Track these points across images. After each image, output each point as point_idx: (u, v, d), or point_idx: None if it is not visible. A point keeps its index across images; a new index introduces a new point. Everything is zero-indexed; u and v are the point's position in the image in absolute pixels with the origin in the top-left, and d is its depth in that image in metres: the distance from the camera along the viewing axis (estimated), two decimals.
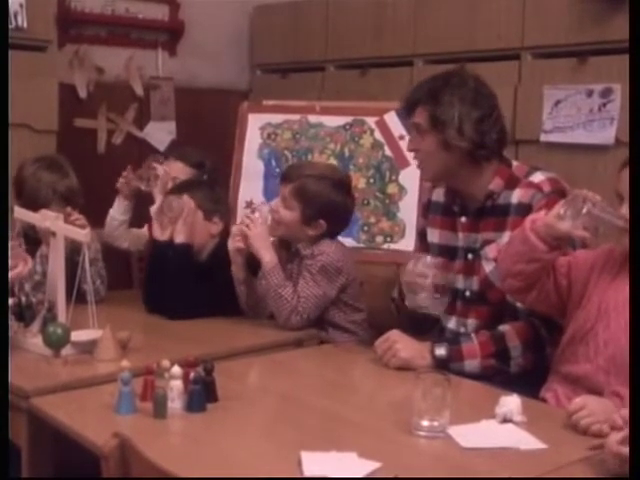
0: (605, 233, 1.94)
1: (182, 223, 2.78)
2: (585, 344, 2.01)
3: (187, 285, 2.71)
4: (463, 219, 2.36)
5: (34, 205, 2.74)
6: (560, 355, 2.09)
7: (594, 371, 1.97)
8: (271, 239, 2.68)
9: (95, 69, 4.00)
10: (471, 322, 2.35)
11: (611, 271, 2.04)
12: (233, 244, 2.67)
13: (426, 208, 2.53)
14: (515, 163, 2.36)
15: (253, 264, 2.67)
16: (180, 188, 2.91)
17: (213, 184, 3.12)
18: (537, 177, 2.27)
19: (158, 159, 3.25)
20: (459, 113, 2.22)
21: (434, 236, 2.45)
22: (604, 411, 1.74)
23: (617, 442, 1.52)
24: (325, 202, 2.62)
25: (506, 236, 2.24)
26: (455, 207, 2.39)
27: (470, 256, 2.35)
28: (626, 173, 1.92)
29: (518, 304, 2.24)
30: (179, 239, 2.77)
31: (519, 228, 2.09)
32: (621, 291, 1.97)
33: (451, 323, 2.40)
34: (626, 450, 1.49)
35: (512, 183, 2.29)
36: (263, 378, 2.23)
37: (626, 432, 1.51)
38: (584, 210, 1.92)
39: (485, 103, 2.27)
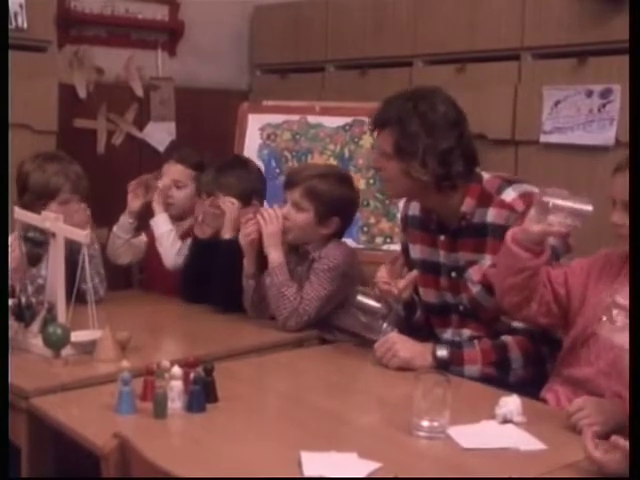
0: (582, 226, 1.95)
1: (229, 220, 2.81)
2: (586, 348, 2.01)
3: (238, 277, 2.74)
4: (442, 237, 2.33)
5: (43, 196, 2.78)
6: (562, 359, 2.10)
7: (595, 374, 1.97)
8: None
9: (95, 69, 4.00)
10: (466, 332, 2.34)
11: (609, 275, 2.04)
12: (246, 237, 2.66)
13: (404, 223, 2.50)
14: (486, 176, 2.30)
15: (262, 260, 2.68)
16: (218, 185, 2.90)
17: (245, 161, 3.14)
18: (509, 195, 2.22)
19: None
20: (424, 146, 2.16)
21: (416, 252, 2.42)
22: (603, 412, 1.74)
23: (594, 446, 1.53)
24: (337, 198, 2.63)
25: (487, 259, 2.23)
26: (432, 225, 2.36)
27: (453, 274, 2.33)
28: (619, 178, 1.91)
29: (514, 323, 2.23)
30: (227, 236, 2.80)
31: (503, 244, 2.08)
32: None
33: (447, 335, 2.39)
34: (600, 455, 1.51)
35: (484, 201, 2.24)
36: (263, 378, 2.23)
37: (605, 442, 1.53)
38: (550, 205, 1.93)
39: (454, 133, 2.19)
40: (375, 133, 2.31)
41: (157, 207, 3.17)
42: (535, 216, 1.98)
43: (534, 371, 2.21)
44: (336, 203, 2.62)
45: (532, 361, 2.22)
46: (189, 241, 3.12)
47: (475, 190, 2.26)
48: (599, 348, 1.98)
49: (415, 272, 2.36)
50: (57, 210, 2.80)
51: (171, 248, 3.12)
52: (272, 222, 2.61)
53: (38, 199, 2.79)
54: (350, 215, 2.73)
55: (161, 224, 3.15)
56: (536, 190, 2.23)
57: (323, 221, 2.63)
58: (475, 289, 2.26)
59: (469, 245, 2.27)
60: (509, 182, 2.27)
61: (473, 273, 2.26)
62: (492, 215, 2.23)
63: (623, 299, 1.94)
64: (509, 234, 2.05)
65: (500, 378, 2.20)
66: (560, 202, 1.94)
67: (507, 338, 2.23)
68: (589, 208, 1.92)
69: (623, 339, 1.88)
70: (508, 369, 2.21)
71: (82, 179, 2.89)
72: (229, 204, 2.83)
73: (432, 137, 2.17)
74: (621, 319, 1.94)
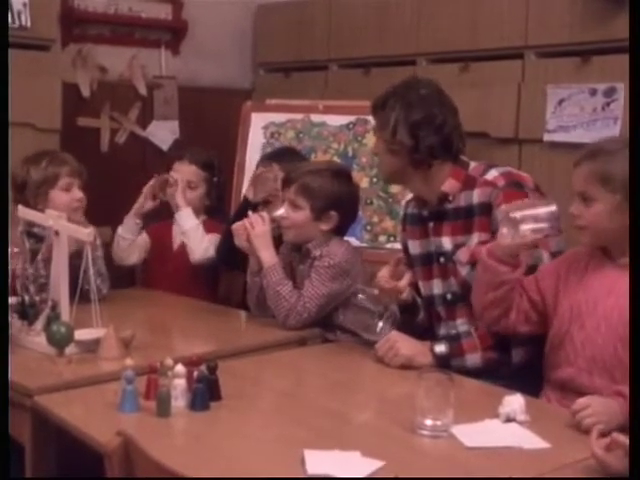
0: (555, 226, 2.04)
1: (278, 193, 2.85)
2: (563, 348, 2.05)
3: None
4: (431, 224, 2.39)
5: (43, 185, 2.83)
6: (546, 362, 2.13)
7: (577, 373, 2.01)
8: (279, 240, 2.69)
9: (98, 68, 3.99)
10: (461, 323, 2.35)
11: (576, 273, 2.08)
12: (239, 237, 2.67)
13: (404, 223, 2.56)
14: (473, 164, 2.38)
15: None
16: (277, 160, 2.99)
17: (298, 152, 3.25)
18: (491, 174, 2.31)
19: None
20: (395, 117, 2.29)
21: (415, 247, 2.47)
22: (608, 411, 1.74)
23: (601, 447, 1.54)
24: (331, 192, 2.63)
25: (474, 237, 2.28)
26: (424, 212, 2.41)
27: (442, 259, 2.36)
28: (576, 170, 2.00)
29: None
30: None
31: (478, 260, 2.15)
32: (590, 290, 2.01)
33: (442, 330, 2.41)
34: (605, 456, 1.52)
35: (470, 184, 2.32)
36: (266, 377, 2.23)
37: (608, 440, 1.54)
38: (518, 217, 2.02)
39: (427, 109, 2.29)
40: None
41: (181, 201, 3.16)
42: (507, 233, 2.05)
43: (536, 348, 2.21)
44: (331, 197, 2.62)
45: (532, 338, 2.22)
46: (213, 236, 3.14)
47: (460, 174, 2.34)
48: (576, 346, 2.02)
49: (409, 275, 2.39)
50: (60, 197, 2.83)
51: (200, 242, 3.13)
52: (258, 224, 2.63)
53: (38, 189, 2.81)
54: (348, 209, 2.71)
55: (187, 219, 3.15)
56: (522, 174, 2.35)
57: (320, 217, 2.63)
58: (464, 270, 2.30)
59: (457, 229, 2.32)
60: (493, 166, 2.36)
61: (461, 254, 2.31)
62: (477, 195, 2.30)
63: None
64: (484, 250, 2.12)
65: (503, 361, 2.22)
66: (526, 212, 2.03)
67: None
68: (552, 208, 2.02)
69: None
70: (509, 350, 2.23)
71: (79, 165, 2.94)
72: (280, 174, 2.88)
73: (404, 110, 2.29)
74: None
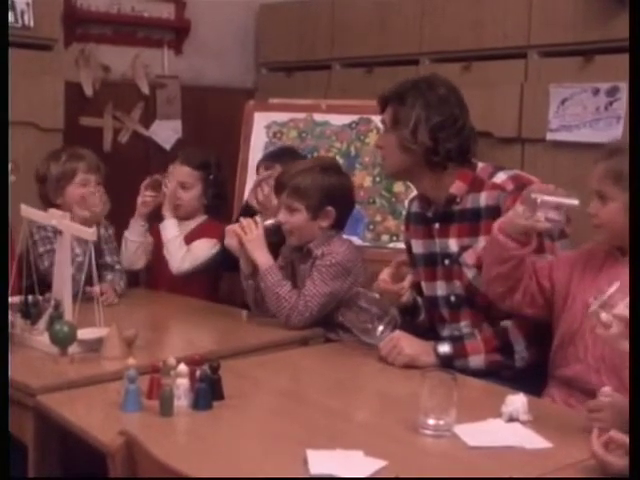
0: (573, 219, 2.04)
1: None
2: (574, 345, 2.04)
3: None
4: (437, 225, 2.37)
5: (61, 181, 2.93)
6: (553, 359, 2.12)
7: (585, 371, 2.00)
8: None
9: (101, 67, 3.99)
10: (465, 325, 2.35)
11: (592, 270, 2.07)
12: (228, 241, 2.67)
13: (407, 221, 2.55)
14: (480, 165, 2.36)
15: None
16: (279, 162, 2.99)
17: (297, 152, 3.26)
18: (500, 177, 2.29)
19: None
20: (417, 116, 2.26)
21: (418, 247, 2.46)
22: (621, 417, 1.70)
23: (600, 444, 1.53)
24: (323, 187, 2.62)
25: (481, 240, 2.26)
26: (429, 213, 2.39)
27: (447, 261, 2.35)
28: (594, 170, 2.01)
29: None
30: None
31: (490, 235, 2.14)
32: (603, 289, 1.98)
33: (445, 331, 2.41)
34: (606, 455, 1.51)
35: (477, 186, 2.30)
36: (269, 376, 2.23)
37: (607, 437, 1.53)
38: (538, 201, 1.99)
39: (448, 111, 2.27)
40: (380, 113, 2.40)
41: (166, 212, 3.18)
42: (523, 212, 2.02)
43: (539, 351, 2.22)
44: (324, 193, 2.62)
45: (535, 341, 2.23)
46: (195, 245, 3.13)
47: (467, 175, 2.32)
48: (586, 344, 2.01)
49: (410, 277, 2.39)
50: (77, 192, 2.92)
51: (177, 253, 3.13)
52: (250, 229, 2.62)
53: (57, 184, 2.91)
54: (344, 201, 2.69)
55: (170, 229, 3.16)
56: (531, 177, 2.32)
57: (318, 214, 2.63)
58: (470, 274, 2.29)
59: (464, 230, 2.31)
60: (501, 169, 2.34)
61: (467, 257, 2.30)
62: (484, 198, 2.28)
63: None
64: (496, 225, 2.10)
65: (506, 364, 2.22)
66: (547, 198, 2.00)
67: (506, 322, 2.25)
68: (575, 202, 1.99)
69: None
70: (512, 353, 2.23)
71: (97, 160, 3.02)
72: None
73: (426, 110, 2.26)
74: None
